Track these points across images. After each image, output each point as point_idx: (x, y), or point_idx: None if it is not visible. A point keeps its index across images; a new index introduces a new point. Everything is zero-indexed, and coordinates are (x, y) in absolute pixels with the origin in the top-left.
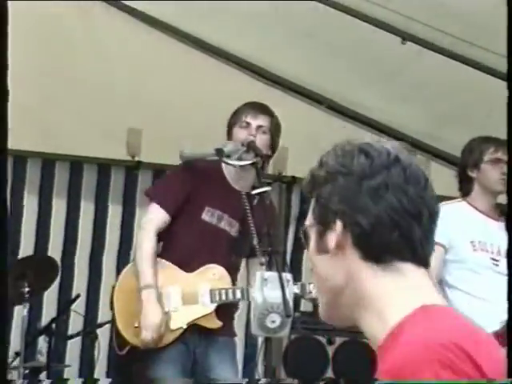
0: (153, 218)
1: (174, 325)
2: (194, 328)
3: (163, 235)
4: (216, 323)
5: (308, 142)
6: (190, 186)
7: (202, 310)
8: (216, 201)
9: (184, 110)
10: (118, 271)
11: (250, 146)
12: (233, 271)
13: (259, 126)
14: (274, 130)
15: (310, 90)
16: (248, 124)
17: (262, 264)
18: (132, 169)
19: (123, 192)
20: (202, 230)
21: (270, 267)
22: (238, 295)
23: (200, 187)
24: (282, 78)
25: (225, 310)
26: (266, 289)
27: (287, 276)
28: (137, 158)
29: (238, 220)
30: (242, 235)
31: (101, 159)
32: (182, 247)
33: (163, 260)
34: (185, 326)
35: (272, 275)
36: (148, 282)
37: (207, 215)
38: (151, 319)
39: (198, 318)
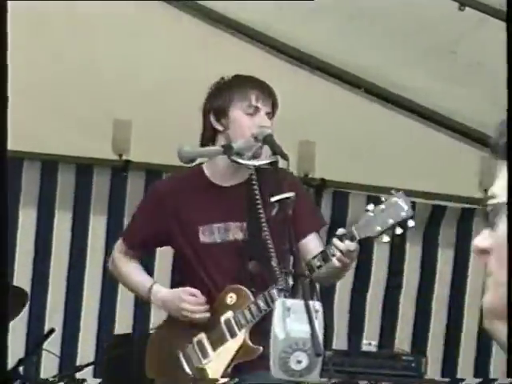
0: (118, 250)
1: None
2: (234, 369)
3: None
4: (254, 351)
5: (341, 136)
6: (162, 212)
7: (234, 344)
8: (207, 213)
9: (185, 97)
10: (103, 297)
11: (268, 141)
12: (258, 279)
13: (267, 113)
14: (275, 113)
15: (342, 69)
16: (257, 110)
17: (283, 290)
18: (119, 170)
19: (108, 199)
20: (207, 255)
21: (294, 293)
22: (262, 305)
23: (181, 207)
24: (307, 55)
25: (258, 329)
26: (290, 321)
27: (316, 304)
28: (125, 157)
29: (244, 219)
30: (255, 235)
31: (80, 158)
32: (192, 286)
33: None
34: (221, 380)
35: (297, 303)
36: (146, 284)
37: (205, 236)
38: (176, 298)
39: (233, 358)
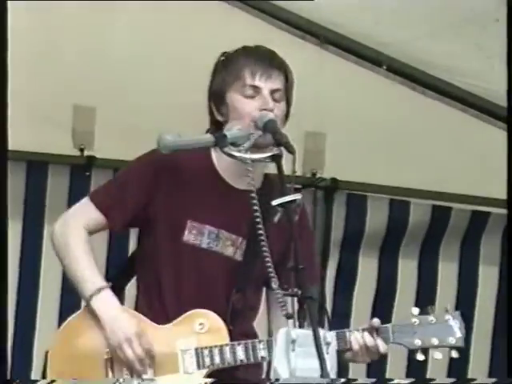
0: (79, 212)
1: None
2: None
3: (130, 272)
4: None
5: (357, 126)
6: (154, 190)
7: (186, 380)
8: (205, 211)
9: (162, 77)
10: (61, 318)
11: (269, 129)
12: (239, 316)
13: (273, 91)
14: (290, 93)
15: (359, 43)
16: (257, 90)
17: (287, 317)
18: (81, 168)
19: (67, 203)
20: (185, 258)
21: (300, 321)
22: (241, 356)
23: (176, 191)
24: (317, 26)
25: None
26: (295, 356)
27: (327, 335)
28: (88, 152)
29: (245, 236)
30: (253, 258)
31: (32, 154)
32: (153, 287)
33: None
34: None
35: (303, 334)
36: (97, 284)
37: (191, 234)
38: (125, 328)
39: None
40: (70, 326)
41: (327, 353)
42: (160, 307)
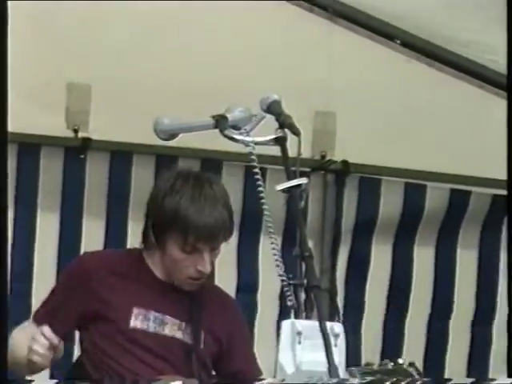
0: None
1: None
2: None
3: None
4: None
5: (369, 105)
6: (87, 285)
7: None
8: (148, 298)
9: (162, 54)
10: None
11: (273, 110)
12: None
13: (213, 249)
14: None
15: (371, 16)
16: (197, 249)
17: (291, 307)
18: (75, 151)
19: (61, 187)
20: (137, 341)
21: (306, 313)
22: None
23: (114, 286)
24: None
25: None
26: (301, 349)
27: (335, 326)
28: (83, 134)
29: (187, 321)
30: (199, 341)
31: (23, 135)
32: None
33: None
34: None
35: (310, 326)
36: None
37: (137, 320)
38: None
39: None
40: None
41: (335, 345)
42: None
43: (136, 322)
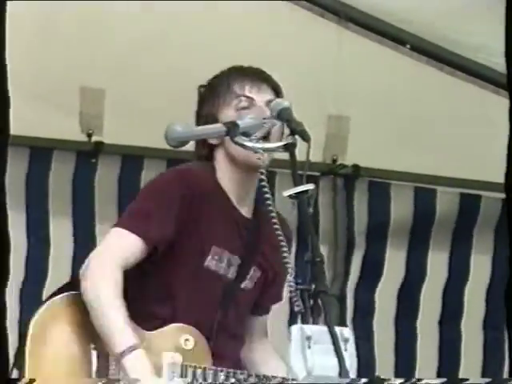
0: (116, 244)
1: None
2: None
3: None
4: None
5: (381, 109)
6: (180, 214)
7: None
8: (224, 236)
9: (176, 59)
10: None
11: (283, 117)
12: (225, 339)
13: (267, 102)
14: None
15: (382, 20)
16: (250, 101)
17: (299, 312)
18: (88, 155)
19: (72, 192)
20: (203, 284)
21: (314, 317)
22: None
23: (199, 216)
24: (337, 2)
25: None
26: (311, 353)
27: (345, 331)
28: (96, 138)
29: (240, 255)
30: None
31: (36, 139)
32: (174, 312)
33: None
34: None
35: (319, 331)
36: (129, 341)
37: (213, 260)
38: None
39: None
40: (53, 312)
41: (345, 350)
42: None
43: (211, 262)
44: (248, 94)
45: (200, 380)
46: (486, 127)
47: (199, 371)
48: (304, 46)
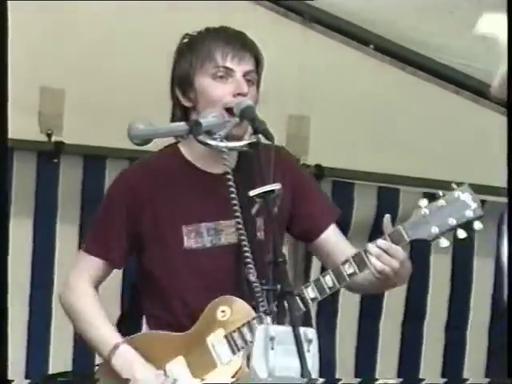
0: (84, 268)
1: None
2: None
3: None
4: None
5: (343, 109)
6: (137, 208)
7: (226, 371)
8: (194, 209)
9: (135, 58)
10: (32, 328)
11: (247, 116)
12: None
13: (246, 73)
14: (260, 75)
15: (346, 21)
16: (229, 72)
17: (265, 313)
18: (49, 155)
19: (34, 194)
20: (192, 264)
21: (279, 317)
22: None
23: (159, 201)
24: (301, 3)
25: None
26: (274, 354)
27: (308, 332)
28: (56, 138)
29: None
30: (250, 233)
31: None
32: (167, 303)
33: (145, 331)
34: None
35: (283, 331)
36: (109, 344)
37: (191, 239)
38: (149, 381)
39: None
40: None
41: (308, 351)
42: (180, 318)
43: (189, 241)
44: (228, 64)
45: (249, 337)
46: (448, 127)
47: (244, 328)
48: (267, 46)
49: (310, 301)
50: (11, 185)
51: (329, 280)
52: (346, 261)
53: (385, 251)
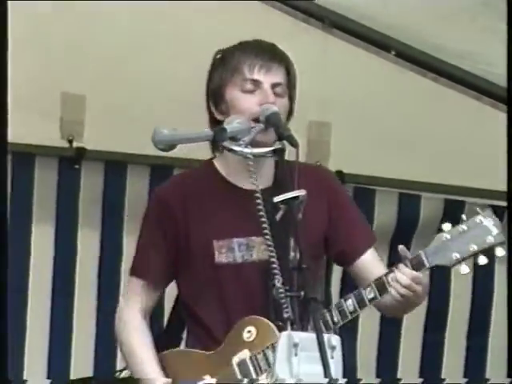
0: (131, 292)
1: None
2: None
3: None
4: None
5: (364, 115)
6: (172, 226)
7: None
8: (226, 224)
9: (161, 62)
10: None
11: (272, 122)
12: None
13: (274, 85)
14: (293, 88)
15: (367, 26)
16: (257, 83)
17: (288, 320)
18: (70, 161)
19: (56, 197)
20: (223, 280)
21: (302, 324)
22: None
23: (192, 217)
24: (322, 8)
25: None
26: (298, 361)
27: (332, 339)
28: (77, 144)
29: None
30: (280, 252)
31: (18, 145)
32: (202, 320)
33: (180, 348)
34: None
35: (307, 338)
36: (153, 375)
37: (222, 254)
38: None
39: None
40: None
41: (332, 357)
42: (212, 334)
43: (220, 256)
44: (255, 76)
45: (271, 357)
46: (470, 133)
47: (269, 351)
48: (288, 52)
49: (331, 325)
50: (32, 191)
51: (350, 304)
52: (368, 285)
53: (407, 277)
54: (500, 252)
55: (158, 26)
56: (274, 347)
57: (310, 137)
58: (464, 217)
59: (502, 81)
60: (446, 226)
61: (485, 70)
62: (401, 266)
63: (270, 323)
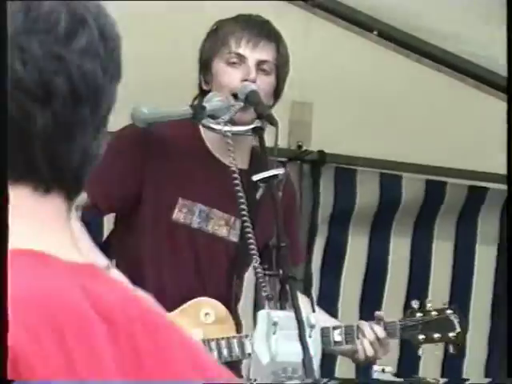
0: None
1: None
2: None
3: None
4: None
5: (346, 95)
6: (142, 166)
7: None
8: (196, 188)
9: (139, 47)
10: None
11: (251, 100)
12: (235, 304)
13: (260, 62)
14: (283, 67)
15: (349, 6)
16: (241, 58)
17: (268, 298)
18: None
19: None
20: (176, 240)
21: (281, 302)
22: (249, 349)
23: (165, 168)
24: None
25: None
26: (276, 339)
27: (311, 317)
28: None
29: (237, 215)
30: (245, 240)
31: None
32: (145, 274)
33: None
34: None
35: (285, 316)
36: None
37: (181, 213)
38: None
39: None
40: None
41: (310, 336)
42: (156, 294)
43: (179, 214)
44: (241, 51)
45: (225, 352)
46: (452, 114)
47: (223, 342)
48: None
49: None
50: None
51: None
52: (339, 327)
53: (378, 339)
54: (453, 350)
55: (144, 10)
56: (229, 342)
57: (292, 117)
58: (430, 301)
59: (486, 62)
60: (416, 304)
61: (469, 52)
62: (375, 326)
63: (231, 317)
